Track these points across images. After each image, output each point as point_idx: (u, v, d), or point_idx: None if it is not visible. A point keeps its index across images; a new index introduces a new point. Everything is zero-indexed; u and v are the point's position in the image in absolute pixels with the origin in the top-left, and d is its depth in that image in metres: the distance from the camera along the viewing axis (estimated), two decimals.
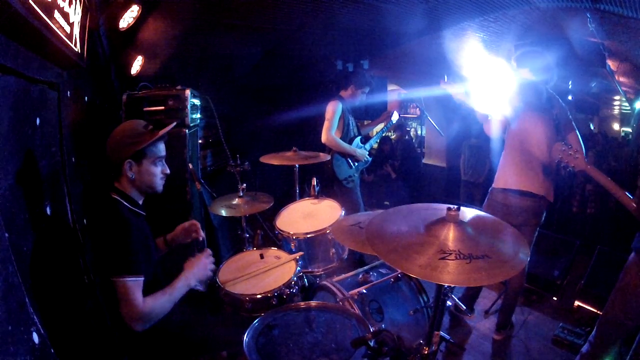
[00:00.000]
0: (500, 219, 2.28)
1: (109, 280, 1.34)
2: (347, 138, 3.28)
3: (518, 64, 2.37)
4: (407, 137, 6.09)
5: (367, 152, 3.40)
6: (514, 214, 2.32)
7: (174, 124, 1.63)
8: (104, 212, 1.46)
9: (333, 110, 3.14)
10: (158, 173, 1.55)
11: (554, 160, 1.91)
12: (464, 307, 2.72)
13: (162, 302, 1.41)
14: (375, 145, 3.52)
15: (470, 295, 2.73)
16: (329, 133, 3.13)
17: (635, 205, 1.67)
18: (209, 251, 1.68)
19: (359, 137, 3.36)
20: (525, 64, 2.35)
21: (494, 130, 2.50)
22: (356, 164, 3.32)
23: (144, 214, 1.59)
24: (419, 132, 7.88)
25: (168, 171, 1.59)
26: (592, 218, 3.99)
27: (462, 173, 4.87)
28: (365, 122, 3.77)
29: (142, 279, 1.38)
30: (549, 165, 2.28)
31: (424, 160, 6.14)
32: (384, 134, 3.72)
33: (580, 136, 2.26)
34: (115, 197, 1.48)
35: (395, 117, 3.51)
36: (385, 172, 5.45)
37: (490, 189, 2.50)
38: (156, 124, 1.57)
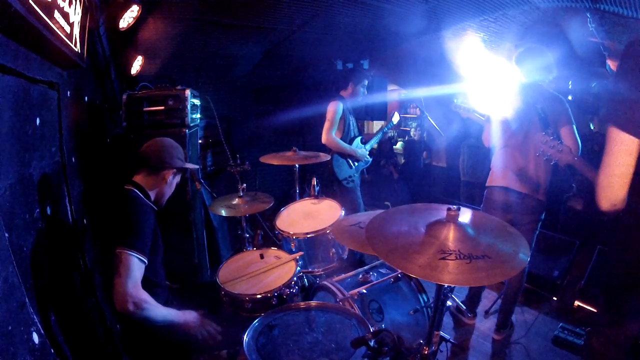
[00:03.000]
0: (497, 217, 2.30)
1: (114, 252, 1.37)
2: (348, 138, 3.29)
3: (518, 63, 2.36)
4: (415, 137, 6.10)
5: (368, 153, 3.41)
6: (503, 212, 2.33)
7: (198, 167, 1.93)
8: (121, 196, 1.56)
9: (334, 110, 3.15)
10: (172, 192, 1.76)
11: (535, 152, 1.76)
12: (464, 308, 2.72)
13: (155, 304, 1.42)
14: (376, 146, 3.54)
15: (471, 298, 2.72)
16: (329, 133, 3.14)
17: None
18: (218, 329, 1.61)
19: (359, 137, 3.37)
20: (525, 62, 2.33)
21: (485, 139, 2.52)
22: (356, 164, 3.33)
23: (156, 208, 1.67)
24: (417, 132, 7.89)
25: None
26: (594, 218, 3.98)
27: (461, 173, 4.86)
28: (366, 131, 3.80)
29: (145, 262, 1.42)
30: (545, 165, 2.28)
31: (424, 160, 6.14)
32: (384, 134, 3.74)
33: (577, 131, 2.15)
34: (131, 188, 1.59)
35: (395, 118, 3.55)
36: (387, 172, 5.45)
37: (486, 188, 2.51)
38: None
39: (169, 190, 1.73)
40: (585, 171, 1.65)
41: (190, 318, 1.55)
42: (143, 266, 1.41)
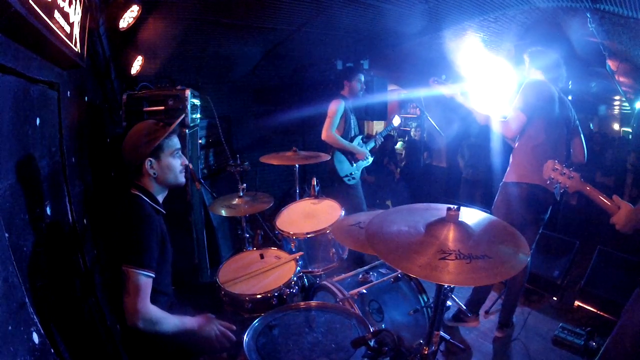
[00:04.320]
0: (514, 213, 2.29)
1: (120, 269, 1.35)
2: (349, 137, 3.31)
3: (531, 61, 2.38)
4: (416, 137, 6.10)
5: (369, 151, 3.43)
6: (528, 208, 2.32)
7: (182, 116, 1.64)
8: (125, 204, 1.49)
9: (335, 108, 3.18)
10: (178, 165, 1.58)
11: (545, 179, 1.72)
12: (464, 308, 2.71)
13: (166, 317, 1.41)
14: (377, 146, 3.58)
15: (476, 300, 2.70)
16: (329, 130, 3.16)
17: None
18: (232, 328, 1.59)
19: (360, 137, 3.39)
20: (537, 62, 2.35)
21: (513, 131, 2.40)
22: (357, 162, 3.35)
23: (164, 212, 1.60)
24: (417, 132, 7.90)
25: (186, 162, 1.64)
26: (594, 218, 3.98)
27: (462, 172, 4.88)
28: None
29: (153, 276, 1.39)
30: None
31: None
32: (385, 134, 3.75)
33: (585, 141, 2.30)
34: (137, 193, 1.51)
35: (396, 120, 3.64)
36: (388, 171, 5.45)
37: (501, 183, 2.48)
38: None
39: (170, 170, 1.55)
40: (597, 199, 1.55)
41: (203, 321, 1.53)
42: (151, 280, 1.39)
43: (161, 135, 1.51)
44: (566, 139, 2.33)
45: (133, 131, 1.54)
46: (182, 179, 1.61)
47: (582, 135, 2.33)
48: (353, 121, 3.35)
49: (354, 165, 3.33)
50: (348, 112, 3.27)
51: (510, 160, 2.46)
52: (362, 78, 3.37)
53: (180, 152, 1.61)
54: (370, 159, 3.47)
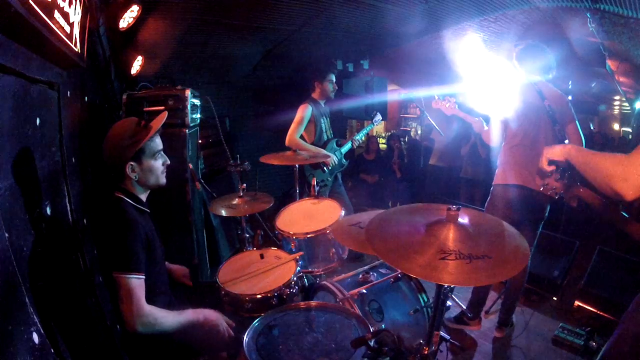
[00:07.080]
0: (502, 215, 2.29)
1: (111, 276, 1.36)
2: (321, 142, 3.24)
3: (519, 60, 2.37)
4: (415, 136, 6.07)
5: (342, 155, 3.35)
6: (514, 209, 2.32)
7: (166, 114, 1.62)
8: (109, 210, 1.48)
9: (302, 114, 3.11)
10: (159, 167, 1.56)
11: (538, 185, 1.65)
12: (465, 309, 2.71)
13: (165, 314, 1.42)
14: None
15: (477, 301, 2.70)
16: (293, 135, 3.09)
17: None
18: (232, 324, 1.62)
19: (334, 140, 3.32)
20: (525, 60, 2.34)
21: (493, 138, 2.48)
22: (330, 168, 3.26)
23: (148, 211, 1.60)
24: (418, 132, 7.89)
25: (168, 162, 1.61)
26: (594, 218, 3.98)
27: (462, 172, 4.88)
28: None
29: (143, 277, 1.40)
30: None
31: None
32: (363, 136, 3.68)
33: (581, 129, 2.25)
34: (120, 195, 1.50)
35: (377, 117, 3.61)
36: (389, 170, 5.46)
37: (493, 186, 2.50)
38: (149, 119, 1.57)
39: (152, 173, 1.53)
40: (589, 198, 1.53)
41: (209, 313, 1.54)
42: (142, 282, 1.39)
43: (144, 138, 1.46)
44: (554, 135, 2.25)
45: (114, 133, 1.49)
46: (163, 179, 1.59)
47: (577, 122, 2.24)
48: (325, 125, 3.26)
49: (327, 172, 3.25)
50: (317, 116, 3.18)
51: (497, 162, 2.49)
52: (334, 78, 3.23)
53: (162, 153, 1.58)
54: (345, 163, 3.39)
